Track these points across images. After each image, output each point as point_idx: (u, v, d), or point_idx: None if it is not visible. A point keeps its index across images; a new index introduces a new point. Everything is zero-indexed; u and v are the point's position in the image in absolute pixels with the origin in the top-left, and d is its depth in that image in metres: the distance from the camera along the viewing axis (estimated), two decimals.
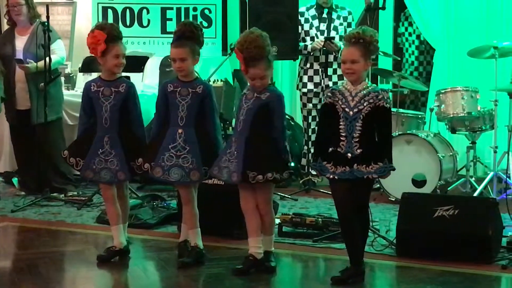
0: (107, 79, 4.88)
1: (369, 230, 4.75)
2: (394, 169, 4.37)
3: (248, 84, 4.65)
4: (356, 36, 4.30)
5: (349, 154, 4.33)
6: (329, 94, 4.46)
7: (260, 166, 4.47)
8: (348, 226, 4.44)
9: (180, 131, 4.68)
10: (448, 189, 6.84)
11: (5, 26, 7.30)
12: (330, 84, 7.08)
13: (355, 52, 4.30)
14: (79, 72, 7.84)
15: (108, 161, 4.81)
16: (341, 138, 4.36)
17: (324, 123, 4.53)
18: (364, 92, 4.35)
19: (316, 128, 7.01)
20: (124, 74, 5.03)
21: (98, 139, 4.82)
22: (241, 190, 4.62)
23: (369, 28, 4.41)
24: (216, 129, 4.77)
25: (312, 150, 7.08)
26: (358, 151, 4.33)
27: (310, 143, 7.26)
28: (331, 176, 4.40)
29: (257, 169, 4.47)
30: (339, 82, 6.84)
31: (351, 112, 4.35)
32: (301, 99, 7.41)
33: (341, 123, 4.36)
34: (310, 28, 7.25)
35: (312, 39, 7.20)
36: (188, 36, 4.68)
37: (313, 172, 6.97)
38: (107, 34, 4.74)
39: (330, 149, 4.39)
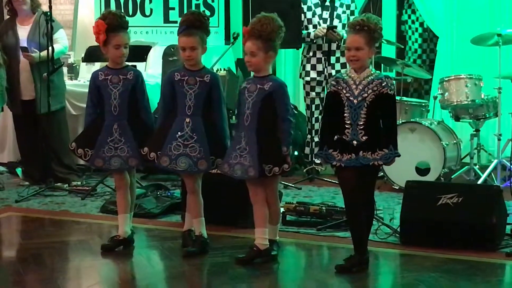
0: (114, 67, 4.87)
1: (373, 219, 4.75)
2: (399, 155, 4.38)
3: (252, 74, 4.64)
4: (360, 23, 4.29)
5: (355, 142, 4.33)
6: (333, 82, 4.45)
7: (275, 158, 4.46)
8: (355, 214, 4.43)
9: (187, 120, 4.66)
10: (452, 177, 6.82)
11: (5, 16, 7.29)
12: (333, 72, 7.07)
13: (359, 39, 4.29)
14: (82, 62, 7.83)
15: (118, 148, 4.80)
16: (346, 126, 4.35)
17: (329, 111, 4.52)
18: (368, 79, 4.34)
19: (320, 116, 7.05)
20: (127, 63, 5.02)
21: (107, 127, 4.81)
22: (250, 183, 4.57)
23: (373, 15, 4.39)
24: (223, 119, 4.75)
25: (315, 139, 7.08)
26: (364, 138, 4.32)
27: (313, 131, 7.25)
28: (337, 164, 4.39)
29: (272, 161, 4.45)
30: (342, 70, 6.83)
31: (355, 100, 4.34)
32: (304, 88, 7.41)
33: (345, 111, 4.35)
34: (313, 16, 7.23)
35: (315, 27, 7.19)
36: (197, 26, 4.67)
37: (317, 161, 6.98)
38: (107, 24, 4.72)
39: (336, 137, 4.39)
